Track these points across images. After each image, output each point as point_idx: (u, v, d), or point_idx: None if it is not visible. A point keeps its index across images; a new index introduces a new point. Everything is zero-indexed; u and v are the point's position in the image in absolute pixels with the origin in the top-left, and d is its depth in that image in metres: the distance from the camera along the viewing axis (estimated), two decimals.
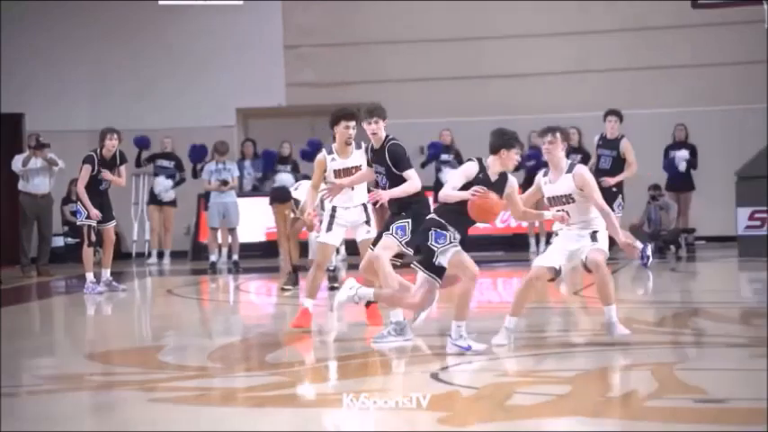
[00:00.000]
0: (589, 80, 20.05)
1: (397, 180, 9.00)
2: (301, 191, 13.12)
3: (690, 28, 19.40)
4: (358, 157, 9.60)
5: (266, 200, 15.82)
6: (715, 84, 19.73)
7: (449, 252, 8.07)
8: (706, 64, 19.81)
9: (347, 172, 9.63)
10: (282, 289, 13.30)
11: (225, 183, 17.34)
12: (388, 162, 9.01)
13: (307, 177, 15.86)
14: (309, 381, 7.49)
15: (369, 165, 9.26)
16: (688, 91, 19.87)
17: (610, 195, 13.91)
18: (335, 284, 12.99)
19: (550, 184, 8.50)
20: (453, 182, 8.18)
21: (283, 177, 18.56)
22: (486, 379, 7.27)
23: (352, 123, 9.59)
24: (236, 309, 13.20)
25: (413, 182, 8.97)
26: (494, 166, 8.21)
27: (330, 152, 9.74)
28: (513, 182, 8.39)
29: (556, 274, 8.44)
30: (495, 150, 8.22)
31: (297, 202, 13.00)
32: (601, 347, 8.38)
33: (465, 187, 8.10)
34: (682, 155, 18.39)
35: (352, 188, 9.64)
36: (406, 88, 20.29)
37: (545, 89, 20.09)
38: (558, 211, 8.44)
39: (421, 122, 19.67)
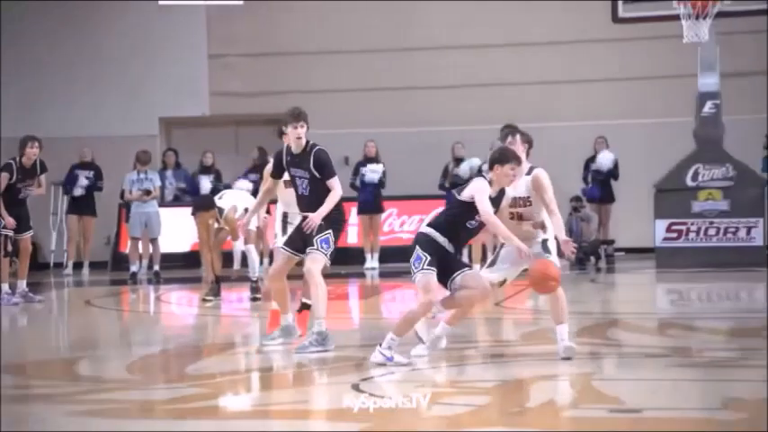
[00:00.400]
0: (512, 92, 20.23)
1: (318, 186, 8.91)
2: (226, 200, 13.08)
3: (613, 42, 19.67)
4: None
5: (188, 210, 15.71)
6: (636, 97, 20.04)
7: (418, 275, 8.09)
8: (627, 78, 20.12)
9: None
10: (204, 300, 13.22)
11: (148, 192, 17.20)
12: (312, 168, 8.91)
13: (229, 187, 15.82)
14: (231, 392, 7.46)
15: (277, 172, 9.10)
16: (608, 104, 20.15)
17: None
18: (257, 296, 12.94)
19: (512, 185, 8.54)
20: (488, 206, 8.10)
21: (206, 186, 18.47)
22: (406, 389, 7.28)
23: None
24: (156, 320, 13.09)
25: (336, 191, 8.93)
26: (494, 182, 8.27)
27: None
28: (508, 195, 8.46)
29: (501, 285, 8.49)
30: (491, 166, 8.27)
31: (221, 210, 12.95)
32: (520, 358, 8.45)
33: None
34: (606, 156, 18.53)
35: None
36: (331, 99, 20.30)
37: (472, 100, 20.23)
38: (512, 215, 8.43)
39: (346, 133, 19.70)
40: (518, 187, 8.44)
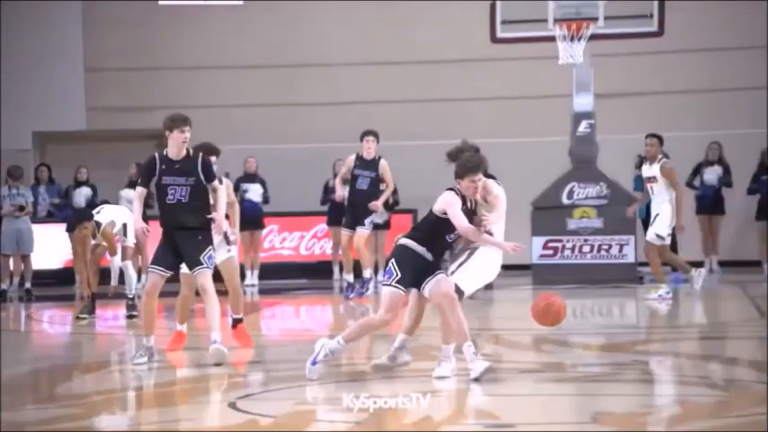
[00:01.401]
0: (394, 109, 20.38)
1: (200, 193, 8.93)
2: (104, 214, 12.90)
3: (492, 62, 19.97)
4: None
5: (62, 226, 15.45)
6: (513, 116, 20.36)
7: (384, 288, 8.10)
8: (506, 97, 20.43)
9: None
10: (78, 318, 12.98)
11: (21, 208, 16.84)
12: (200, 172, 8.93)
13: (107, 202, 15.59)
14: (104, 412, 7.32)
15: (146, 181, 9.03)
16: (489, 123, 20.41)
17: (364, 212, 14.36)
18: (134, 313, 12.76)
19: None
20: (461, 219, 8.15)
21: (81, 201, 18.15)
22: (285, 407, 7.25)
23: (214, 158, 9.57)
24: (26, 338, 12.78)
25: (224, 195, 9.15)
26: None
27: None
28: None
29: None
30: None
31: (99, 225, 12.76)
32: (399, 375, 8.48)
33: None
34: None
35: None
36: (210, 114, 20.13)
37: (354, 117, 20.28)
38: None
39: (226, 149, 19.50)
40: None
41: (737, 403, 7.03)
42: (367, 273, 14.99)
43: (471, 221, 8.20)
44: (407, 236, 8.28)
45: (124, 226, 12.91)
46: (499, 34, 17.16)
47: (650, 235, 14.33)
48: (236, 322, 10.19)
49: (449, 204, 8.15)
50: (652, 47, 18.57)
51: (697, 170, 18.44)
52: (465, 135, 20.97)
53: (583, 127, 17.17)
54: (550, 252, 17.14)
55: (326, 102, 20.65)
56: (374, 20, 20.68)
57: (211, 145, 9.89)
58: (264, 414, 6.96)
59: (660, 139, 14.40)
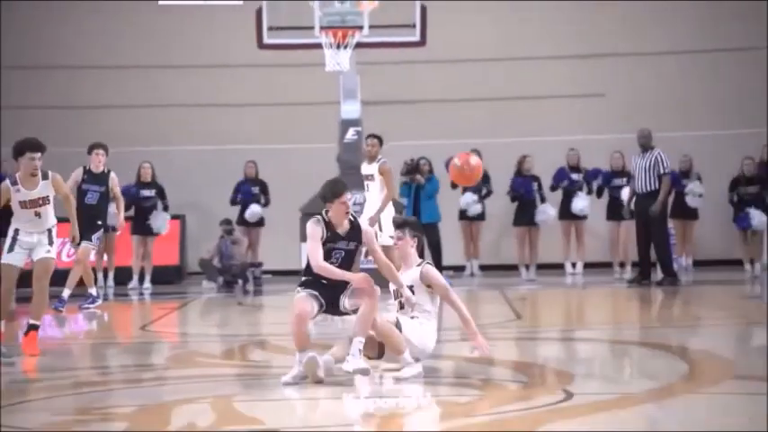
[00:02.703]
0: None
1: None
2: None
3: (259, 68, 20.05)
4: (44, 188, 9.75)
5: None
6: (281, 123, 20.53)
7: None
8: (273, 103, 20.56)
9: (33, 203, 9.70)
10: None
11: None
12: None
13: None
14: None
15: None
16: (255, 128, 20.51)
17: (91, 227, 13.97)
18: None
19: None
20: (316, 253, 8.09)
21: None
22: (40, 419, 7.09)
23: (38, 155, 9.64)
24: None
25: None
26: (335, 217, 8.20)
27: (14, 183, 9.71)
28: (369, 231, 8.39)
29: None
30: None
31: None
32: (163, 381, 8.42)
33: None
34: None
35: (40, 216, 9.73)
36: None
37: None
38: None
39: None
40: (405, 278, 8.48)
41: (491, 402, 7.31)
42: (93, 290, 14.49)
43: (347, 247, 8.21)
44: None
45: None
46: (266, 40, 17.23)
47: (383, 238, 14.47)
48: (31, 329, 9.87)
49: (308, 236, 8.26)
50: (419, 56, 18.99)
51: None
52: (238, 141, 21.26)
53: (350, 134, 17.41)
54: None
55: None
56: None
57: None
58: (17, 428, 6.78)
59: (380, 139, 14.59)
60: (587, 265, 18.97)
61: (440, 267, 17.69)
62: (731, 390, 7.64)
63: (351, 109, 17.48)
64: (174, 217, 19.25)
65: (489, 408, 7.11)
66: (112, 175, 14.21)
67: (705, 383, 7.84)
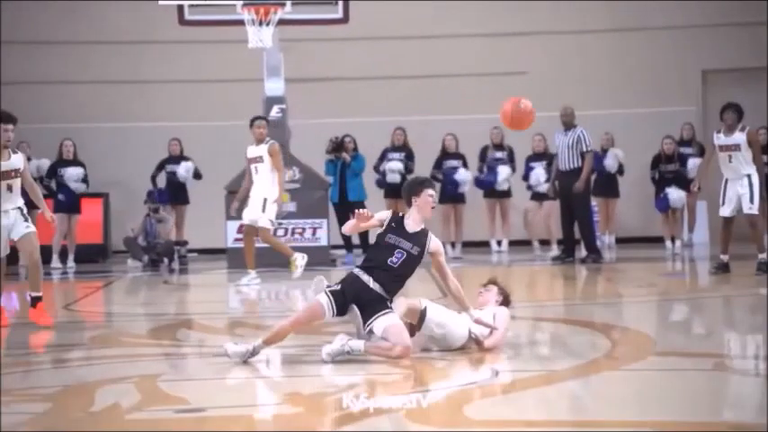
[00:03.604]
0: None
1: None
2: None
3: (175, 44, 19.93)
4: (16, 161, 9.96)
5: None
6: (206, 101, 20.40)
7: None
8: (199, 80, 20.42)
9: (6, 175, 9.85)
10: None
11: None
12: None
13: None
14: None
15: None
16: (178, 105, 20.37)
17: None
18: None
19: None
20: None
21: None
22: None
23: (11, 126, 9.90)
24: None
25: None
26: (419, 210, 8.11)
27: None
28: (440, 246, 8.16)
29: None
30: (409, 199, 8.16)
31: None
32: (88, 361, 8.35)
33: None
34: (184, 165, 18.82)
35: (11, 190, 9.93)
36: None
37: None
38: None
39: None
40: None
41: (419, 380, 7.36)
42: None
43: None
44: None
45: None
46: (187, 17, 17.08)
47: (263, 220, 14.44)
48: (36, 301, 10.15)
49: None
50: (342, 33, 18.95)
51: (383, 156, 18.92)
52: (152, 118, 21.12)
53: (274, 111, 17.34)
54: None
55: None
56: None
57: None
58: None
59: (268, 121, 14.79)
60: (512, 243, 19.13)
61: (366, 245, 17.86)
62: (652, 366, 7.76)
63: (274, 86, 17.40)
64: (97, 195, 19.07)
65: (416, 386, 7.16)
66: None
67: (627, 360, 7.96)
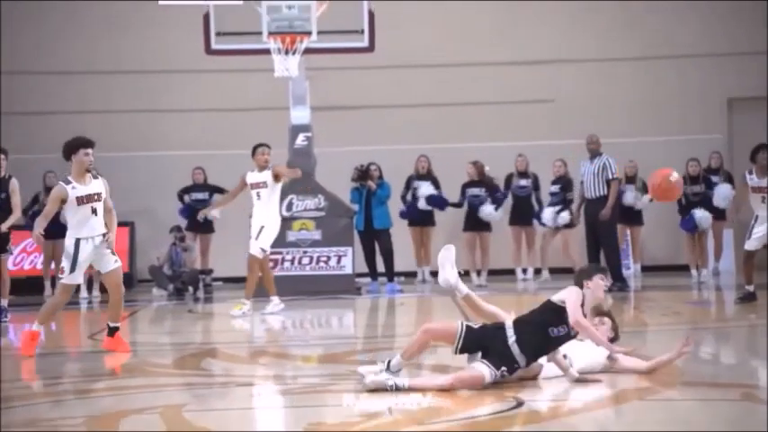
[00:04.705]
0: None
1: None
2: None
3: (207, 73, 20.01)
4: (97, 185, 10.24)
5: None
6: (231, 129, 20.47)
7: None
8: (225, 109, 20.51)
9: (89, 198, 10.14)
10: None
11: None
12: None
13: None
14: None
15: None
16: (203, 133, 20.45)
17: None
18: None
19: None
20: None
21: None
22: None
23: (90, 150, 10.27)
24: None
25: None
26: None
27: (68, 182, 10.16)
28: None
29: None
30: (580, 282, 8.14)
31: None
32: (114, 392, 8.35)
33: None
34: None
35: (95, 214, 10.31)
36: None
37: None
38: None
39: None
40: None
41: (443, 410, 7.32)
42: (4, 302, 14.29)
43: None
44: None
45: None
46: (214, 46, 17.17)
47: (254, 248, 14.41)
48: (114, 331, 10.55)
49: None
50: (368, 61, 19.00)
51: (408, 184, 18.93)
52: (178, 147, 21.19)
53: (300, 140, 17.40)
54: (270, 264, 17.18)
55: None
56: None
57: None
58: None
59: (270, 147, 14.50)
60: (540, 271, 19.04)
61: (391, 274, 17.85)
62: (679, 396, 7.70)
63: (300, 115, 17.46)
64: (122, 224, 19.10)
65: (442, 416, 7.12)
66: (13, 180, 13.94)
67: (654, 389, 7.90)
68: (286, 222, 17.22)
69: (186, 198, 18.93)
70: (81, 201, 10.21)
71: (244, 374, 9.30)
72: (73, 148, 10.33)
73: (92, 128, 20.15)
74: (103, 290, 18.00)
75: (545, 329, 7.96)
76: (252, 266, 14.38)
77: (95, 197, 10.29)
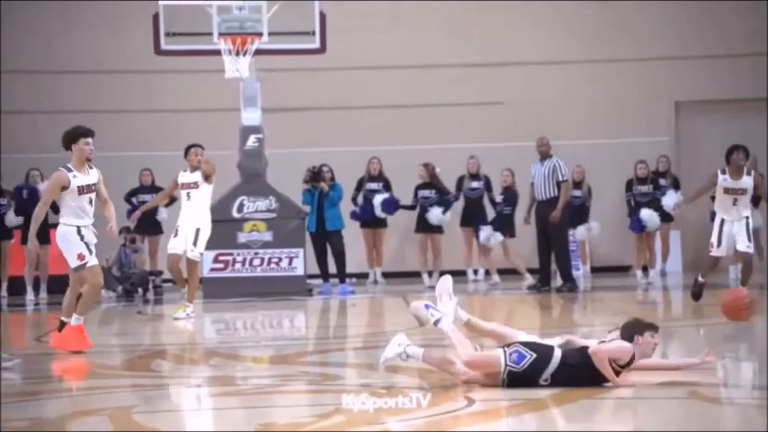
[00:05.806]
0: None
1: None
2: None
3: (152, 74, 19.94)
4: (94, 176, 10.23)
5: None
6: (181, 128, 20.36)
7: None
8: (175, 110, 20.41)
9: (89, 188, 10.09)
10: None
11: None
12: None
13: None
14: None
15: None
16: (156, 134, 20.32)
17: None
18: None
19: None
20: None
21: None
22: None
23: (90, 140, 10.28)
24: None
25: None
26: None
27: (69, 170, 10.14)
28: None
29: None
30: (631, 337, 7.94)
31: None
32: (60, 394, 8.27)
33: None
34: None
35: (91, 204, 10.40)
36: None
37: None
38: None
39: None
40: None
41: (394, 409, 7.32)
42: None
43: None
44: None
45: None
46: (163, 46, 17.05)
47: (193, 253, 14.24)
48: (63, 325, 10.45)
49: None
50: (319, 63, 18.96)
51: (360, 185, 18.92)
52: (127, 148, 21.05)
53: (251, 141, 17.34)
54: (221, 266, 17.19)
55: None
56: None
57: None
58: None
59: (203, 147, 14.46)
60: (489, 272, 19.10)
61: (343, 275, 17.84)
62: (627, 394, 7.75)
63: (251, 116, 17.39)
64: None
65: (392, 415, 7.12)
66: None
67: (602, 387, 7.94)
68: (237, 224, 17.18)
69: (134, 200, 18.78)
70: (82, 190, 10.22)
71: (194, 376, 9.26)
72: (73, 137, 10.34)
73: (42, 128, 20.14)
74: (51, 291, 17.89)
75: (584, 372, 7.85)
76: (192, 270, 14.17)
77: (93, 187, 10.31)
